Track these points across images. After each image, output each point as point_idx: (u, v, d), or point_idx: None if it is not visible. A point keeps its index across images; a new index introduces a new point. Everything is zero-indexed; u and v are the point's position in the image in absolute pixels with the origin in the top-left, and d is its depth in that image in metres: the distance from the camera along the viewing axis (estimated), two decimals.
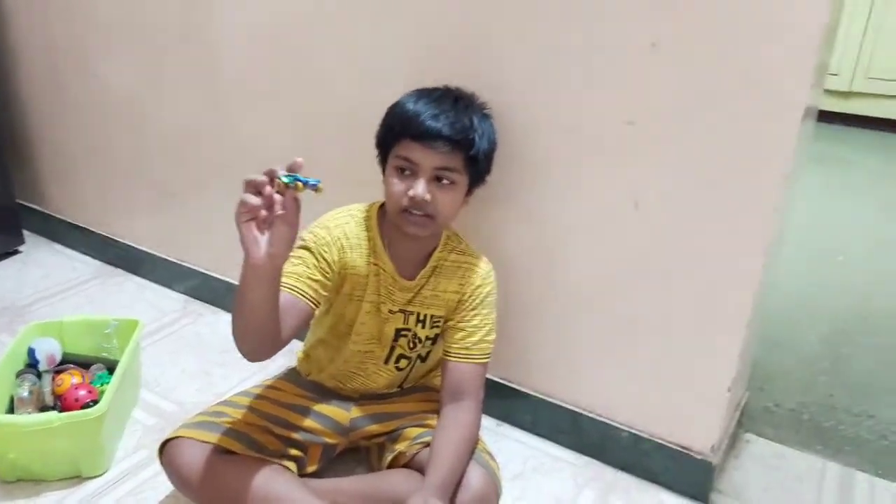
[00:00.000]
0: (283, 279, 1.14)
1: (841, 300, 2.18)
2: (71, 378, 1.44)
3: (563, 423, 1.48)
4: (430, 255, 1.30)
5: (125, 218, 2.10)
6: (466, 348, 1.29)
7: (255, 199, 0.94)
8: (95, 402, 1.37)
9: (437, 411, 1.31)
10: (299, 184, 0.94)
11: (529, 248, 1.40)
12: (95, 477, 1.38)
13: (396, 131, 1.19)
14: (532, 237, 1.39)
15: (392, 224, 1.25)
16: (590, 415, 1.45)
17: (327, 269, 1.22)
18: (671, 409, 1.36)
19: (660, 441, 1.38)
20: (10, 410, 1.40)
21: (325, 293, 1.23)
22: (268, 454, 1.25)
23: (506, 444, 1.51)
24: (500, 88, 1.29)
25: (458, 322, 1.31)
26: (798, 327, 2.01)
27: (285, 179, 0.93)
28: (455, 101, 1.20)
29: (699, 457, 1.35)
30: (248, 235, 0.96)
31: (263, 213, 0.95)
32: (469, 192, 1.24)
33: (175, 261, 2.01)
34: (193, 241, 1.96)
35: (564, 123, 1.28)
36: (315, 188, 0.94)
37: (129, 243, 2.10)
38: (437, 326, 1.33)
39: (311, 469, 1.32)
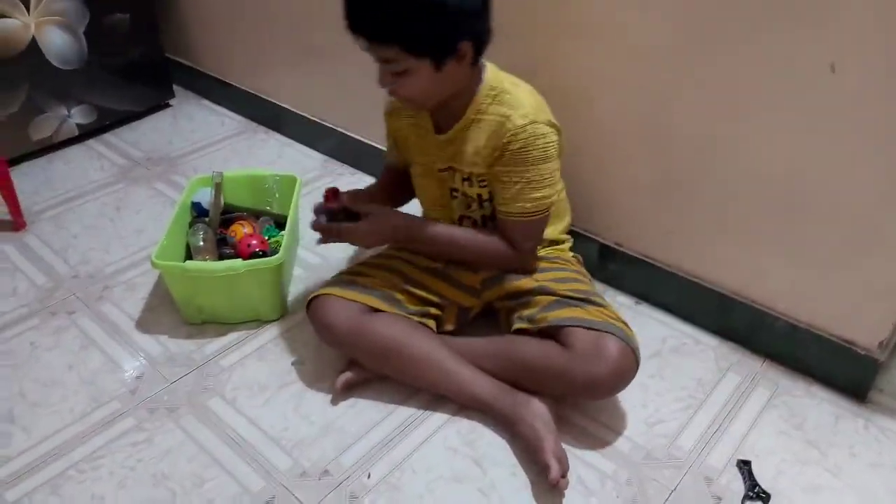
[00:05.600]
0: (386, 156, 1.44)
1: None
2: (242, 228, 1.51)
3: (710, 305, 1.41)
4: (464, 108, 1.21)
5: (270, 75, 2.11)
6: (500, 203, 1.25)
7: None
8: (265, 252, 1.44)
9: (561, 277, 1.31)
10: None
11: (696, 117, 1.28)
12: (274, 321, 1.47)
13: None
14: (702, 106, 1.26)
15: None
16: (741, 299, 1.37)
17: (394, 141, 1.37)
18: (837, 300, 1.26)
19: (819, 332, 1.29)
20: (189, 258, 1.47)
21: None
22: (409, 312, 1.28)
23: (644, 322, 1.47)
24: None
25: (493, 176, 1.24)
26: None
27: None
28: None
29: (863, 352, 1.26)
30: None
31: None
32: (444, 62, 1.11)
33: (316, 119, 2.02)
34: (335, 101, 1.95)
35: None
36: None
37: (274, 101, 2.12)
38: (485, 185, 1.26)
39: (448, 328, 1.34)
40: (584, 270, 1.39)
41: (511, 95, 1.21)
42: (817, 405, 1.29)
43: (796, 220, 1.24)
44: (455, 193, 1.30)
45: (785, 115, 1.18)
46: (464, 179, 1.27)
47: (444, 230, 1.29)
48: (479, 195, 1.28)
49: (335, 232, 1.24)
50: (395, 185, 1.41)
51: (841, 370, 1.30)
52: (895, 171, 1.11)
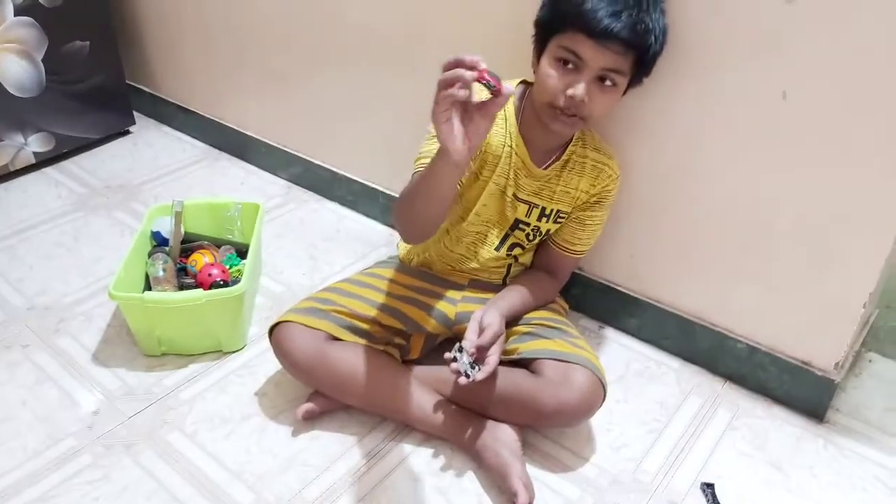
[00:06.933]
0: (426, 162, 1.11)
1: None
2: (203, 257, 1.49)
3: (672, 329, 1.43)
4: (563, 147, 1.24)
5: (232, 102, 2.10)
6: (571, 243, 1.32)
7: (464, 94, 0.85)
8: (227, 282, 1.42)
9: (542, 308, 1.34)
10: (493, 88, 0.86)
11: (655, 147, 1.31)
12: (235, 352, 1.44)
13: (568, 20, 1.06)
14: (660, 134, 1.29)
15: (533, 109, 1.18)
16: (702, 322, 1.39)
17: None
18: (794, 322, 1.28)
19: (777, 354, 1.32)
20: (148, 289, 1.45)
21: (467, 173, 1.20)
22: (373, 341, 1.27)
23: (608, 346, 1.48)
24: None
25: (574, 218, 1.30)
26: None
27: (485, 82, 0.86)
28: None
29: (820, 373, 1.28)
30: (447, 129, 0.88)
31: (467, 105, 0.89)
32: (624, 92, 1.15)
33: (279, 147, 2.01)
34: (298, 127, 1.95)
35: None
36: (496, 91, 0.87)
37: (236, 128, 2.11)
38: (561, 221, 1.30)
39: (412, 357, 1.34)
40: (561, 301, 1.41)
41: (594, 138, 1.27)
42: (778, 426, 1.31)
43: (754, 245, 1.27)
44: (523, 226, 1.29)
45: (741, 142, 1.21)
46: (543, 215, 1.28)
47: (521, 297, 1.29)
48: (549, 231, 1.31)
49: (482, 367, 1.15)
50: None
51: (800, 391, 1.32)
52: (846, 196, 1.14)
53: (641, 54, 1.08)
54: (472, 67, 0.84)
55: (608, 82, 1.09)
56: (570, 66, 1.08)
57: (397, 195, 1.14)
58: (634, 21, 1.04)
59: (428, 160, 1.05)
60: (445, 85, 0.85)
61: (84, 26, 2.01)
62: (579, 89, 1.08)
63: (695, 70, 1.20)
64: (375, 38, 1.63)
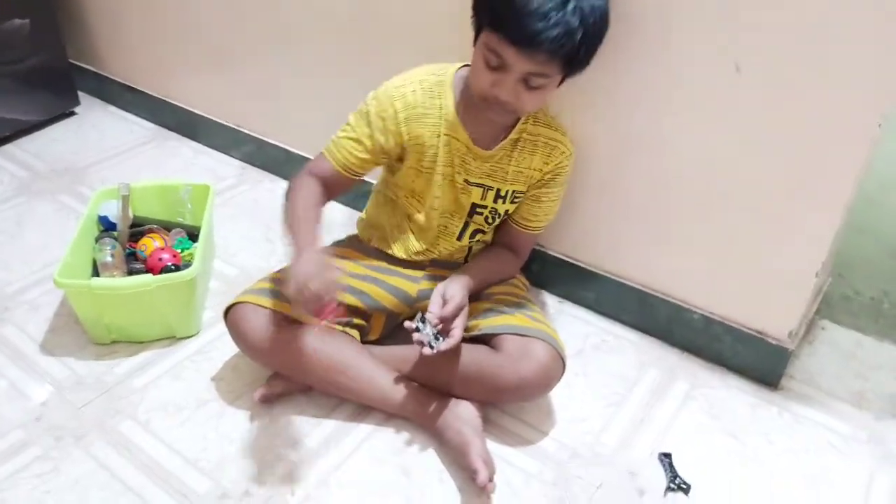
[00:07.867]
0: (334, 149, 1.21)
1: None
2: (152, 241, 1.44)
3: (630, 302, 1.44)
4: (511, 126, 1.22)
5: (181, 81, 2.03)
6: (528, 220, 1.31)
7: (316, 322, 1.03)
8: (178, 266, 1.38)
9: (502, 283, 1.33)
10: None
11: (610, 121, 1.30)
12: (189, 337, 1.40)
13: (493, 24, 1.03)
14: (615, 108, 1.28)
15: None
16: (659, 295, 1.40)
17: (382, 146, 1.20)
18: (749, 293, 1.30)
19: (732, 324, 1.33)
20: (96, 275, 1.40)
21: (371, 167, 1.23)
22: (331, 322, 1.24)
23: (567, 321, 1.48)
24: None
25: (531, 196, 1.28)
26: (883, 212, 1.88)
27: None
28: None
29: (774, 342, 1.30)
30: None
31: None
32: (561, 82, 1.12)
33: (232, 126, 1.96)
34: (250, 106, 1.90)
35: None
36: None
37: (185, 107, 2.05)
38: (518, 201, 1.29)
39: (373, 337, 1.32)
40: (521, 277, 1.40)
41: (546, 114, 1.25)
42: (734, 395, 1.33)
43: (708, 217, 1.28)
44: (480, 210, 1.27)
45: (695, 116, 1.21)
46: (499, 197, 1.26)
47: (482, 272, 1.28)
48: (507, 211, 1.29)
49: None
50: (330, 195, 1.24)
51: (754, 360, 1.34)
52: (798, 167, 1.15)
53: (568, 57, 1.05)
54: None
55: (534, 84, 1.07)
56: (494, 65, 1.06)
57: None
58: (556, 23, 0.98)
59: (340, 154, 1.20)
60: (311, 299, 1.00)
61: (23, 3, 1.93)
62: (503, 92, 1.07)
63: (648, 42, 1.19)
64: (323, 14, 1.58)
